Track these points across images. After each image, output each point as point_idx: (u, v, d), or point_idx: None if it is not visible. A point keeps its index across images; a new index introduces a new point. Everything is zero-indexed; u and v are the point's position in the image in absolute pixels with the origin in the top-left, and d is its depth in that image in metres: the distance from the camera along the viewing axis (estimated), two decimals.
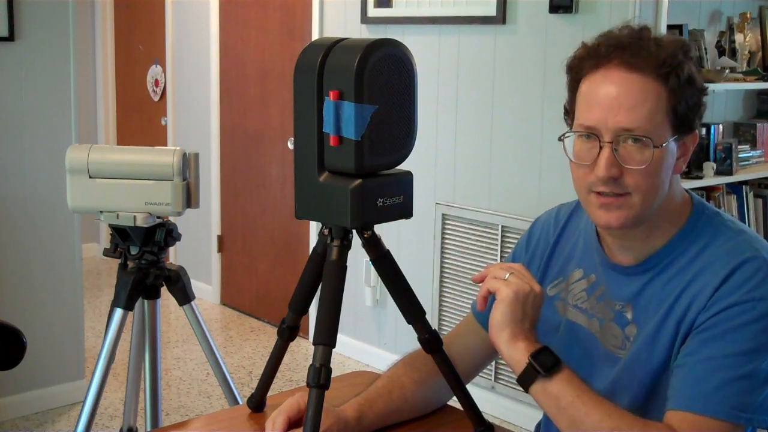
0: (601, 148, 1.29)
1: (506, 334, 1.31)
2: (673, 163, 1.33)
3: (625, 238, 1.39)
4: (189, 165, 1.96)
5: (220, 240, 5.25)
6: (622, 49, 1.29)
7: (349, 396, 1.49)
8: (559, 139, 1.38)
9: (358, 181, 1.28)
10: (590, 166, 1.31)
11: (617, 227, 1.33)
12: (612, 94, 1.28)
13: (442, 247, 3.88)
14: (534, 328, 1.33)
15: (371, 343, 4.26)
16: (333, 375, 1.30)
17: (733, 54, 3.83)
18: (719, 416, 1.22)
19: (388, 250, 1.38)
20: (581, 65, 1.34)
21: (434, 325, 2.70)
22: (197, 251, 5.32)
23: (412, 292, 1.41)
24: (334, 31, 4.27)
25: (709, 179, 3.49)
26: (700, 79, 1.32)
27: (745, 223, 3.71)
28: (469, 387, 1.49)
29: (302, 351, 4.41)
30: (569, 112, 1.39)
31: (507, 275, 1.32)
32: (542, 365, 1.28)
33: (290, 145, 4.60)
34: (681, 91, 1.28)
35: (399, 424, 1.52)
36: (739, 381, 1.23)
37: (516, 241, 1.67)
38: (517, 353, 1.30)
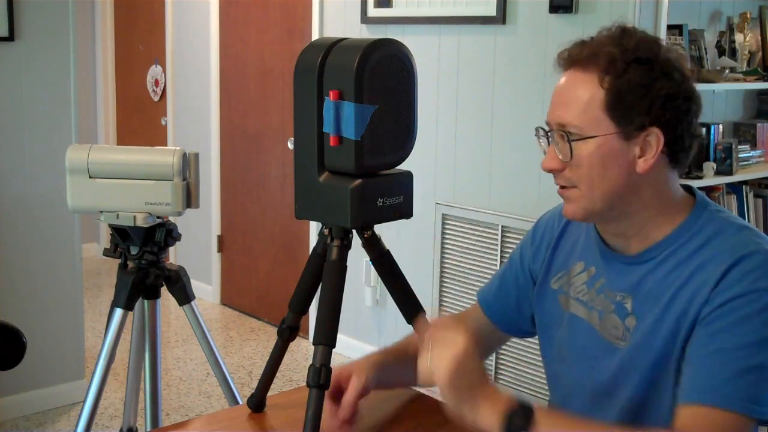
0: (549, 142, 1.36)
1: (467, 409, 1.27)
2: (630, 161, 1.33)
3: (617, 235, 1.41)
4: (189, 165, 1.96)
5: (220, 240, 5.25)
6: (579, 49, 1.35)
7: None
8: (536, 134, 1.43)
9: (358, 181, 1.28)
10: None
11: (570, 218, 1.41)
12: (558, 90, 1.36)
13: (442, 247, 3.88)
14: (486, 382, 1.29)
15: (371, 343, 4.26)
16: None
17: (733, 54, 3.83)
18: (732, 408, 1.21)
19: (388, 250, 1.38)
20: (560, 63, 1.39)
21: None
22: (197, 251, 5.32)
23: (412, 292, 1.41)
24: (334, 31, 4.27)
25: (709, 179, 3.49)
26: (653, 78, 1.31)
27: None
28: None
29: (302, 351, 4.41)
30: None
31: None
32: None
33: (290, 145, 4.60)
34: (617, 89, 1.30)
35: (398, 425, 1.52)
36: (749, 373, 1.22)
37: (517, 241, 1.68)
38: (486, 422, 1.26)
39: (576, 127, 1.32)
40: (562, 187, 1.38)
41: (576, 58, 1.34)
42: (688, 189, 1.44)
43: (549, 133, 1.37)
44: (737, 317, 1.25)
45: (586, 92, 1.32)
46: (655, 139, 1.33)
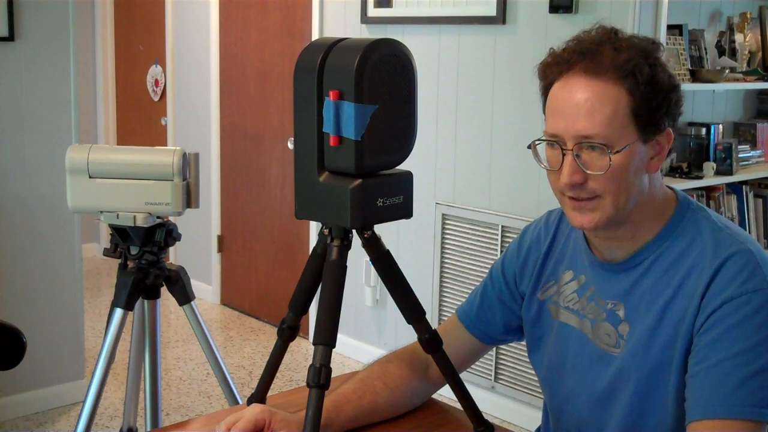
0: (564, 155, 1.31)
1: None
2: (645, 163, 1.33)
3: (612, 238, 1.39)
4: (189, 165, 1.96)
5: (220, 240, 5.25)
6: (582, 55, 1.31)
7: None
8: (529, 147, 1.39)
9: (358, 181, 1.27)
10: (558, 172, 1.33)
11: (590, 228, 1.35)
12: (572, 101, 1.30)
13: (442, 247, 3.88)
14: None
15: (371, 343, 4.26)
16: (333, 375, 1.29)
17: (733, 54, 3.83)
18: (742, 416, 1.22)
19: (388, 250, 1.38)
20: (547, 72, 1.36)
21: (434, 325, 2.70)
22: (197, 251, 5.32)
23: (412, 292, 1.40)
24: (334, 31, 4.27)
25: (709, 179, 3.49)
26: (667, 78, 1.32)
27: (745, 223, 3.72)
28: (469, 387, 1.49)
29: (302, 351, 4.41)
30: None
31: None
32: None
33: (290, 145, 4.60)
34: (641, 93, 1.28)
35: (398, 426, 1.52)
36: (753, 378, 1.23)
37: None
38: None
39: (605, 138, 1.27)
40: (583, 199, 1.32)
41: (582, 64, 1.30)
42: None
43: (568, 147, 1.30)
44: (731, 323, 1.25)
45: (610, 102, 1.28)
46: (666, 138, 1.34)
